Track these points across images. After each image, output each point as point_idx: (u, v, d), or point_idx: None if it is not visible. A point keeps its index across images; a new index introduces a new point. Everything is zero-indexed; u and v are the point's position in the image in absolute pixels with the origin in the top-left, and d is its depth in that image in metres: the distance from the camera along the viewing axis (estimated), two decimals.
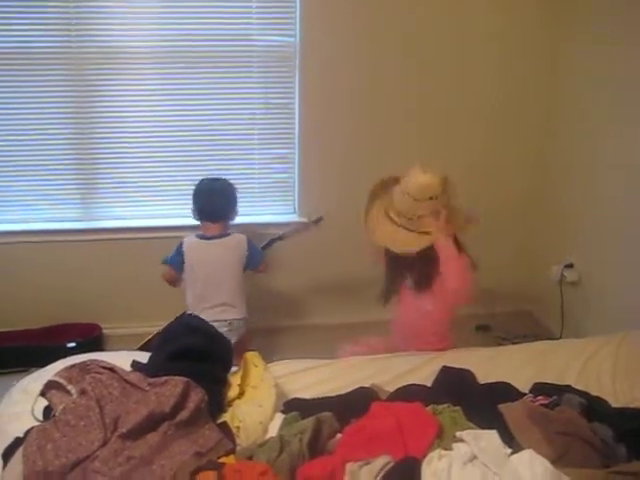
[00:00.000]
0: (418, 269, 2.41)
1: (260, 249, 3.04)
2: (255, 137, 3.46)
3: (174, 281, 2.95)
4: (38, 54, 3.13)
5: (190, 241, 2.89)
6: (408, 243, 2.32)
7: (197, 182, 2.98)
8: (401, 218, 2.34)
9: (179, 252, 2.88)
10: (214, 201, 2.93)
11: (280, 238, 3.20)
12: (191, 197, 2.95)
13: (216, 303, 2.80)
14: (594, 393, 1.99)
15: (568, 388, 1.99)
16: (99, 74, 3.20)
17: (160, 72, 3.26)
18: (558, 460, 1.59)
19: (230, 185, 2.99)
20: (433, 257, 2.31)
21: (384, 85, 3.40)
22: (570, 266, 3.47)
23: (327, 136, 3.41)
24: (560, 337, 3.48)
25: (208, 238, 2.89)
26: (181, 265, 2.88)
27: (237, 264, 2.90)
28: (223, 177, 3.02)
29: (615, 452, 1.67)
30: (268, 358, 2.18)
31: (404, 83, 3.42)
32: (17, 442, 1.65)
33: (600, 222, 3.24)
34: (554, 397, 1.89)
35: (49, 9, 3.09)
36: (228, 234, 2.92)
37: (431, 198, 2.28)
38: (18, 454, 1.60)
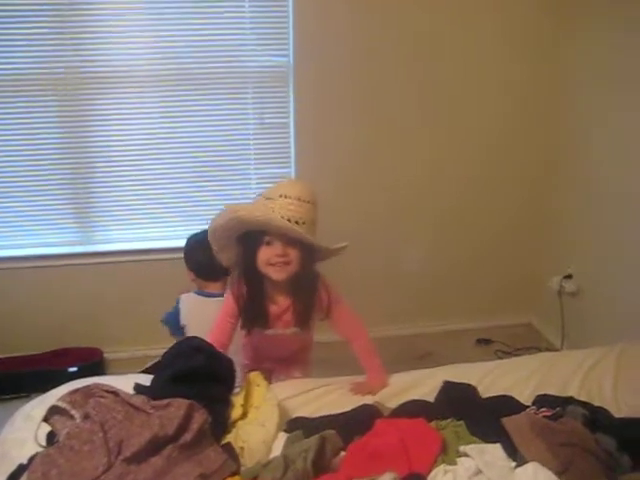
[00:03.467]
0: (298, 301, 2.20)
1: None
2: (251, 157, 3.48)
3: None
4: (31, 78, 3.16)
5: (189, 300, 2.64)
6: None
7: (186, 239, 2.72)
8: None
9: (177, 312, 2.62)
10: (214, 257, 2.55)
11: None
12: (184, 255, 2.68)
13: None
14: (596, 403, 1.99)
15: (571, 399, 1.99)
16: (93, 97, 3.23)
17: (155, 94, 3.30)
18: (562, 472, 1.59)
19: None
20: (310, 284, 2.19)
21: (380, 103, 3.42)
22: (569, 277, 3.48)
23: (323, 155, 3.43)
24: (561, 348, 3.49)
25: (209, 295, 2.62)
26: (178, 326, 2.61)
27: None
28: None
29: (619, 462, 1.67)
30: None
31: (400, 101, 3.45)
32: (21, 469, 1.64)
33: (598, 233, 3.26)
34: (557, 409, 1.89)
35: (44, 34, 3.12)
36: None
37: (310, 202, 2.07)
38: None
